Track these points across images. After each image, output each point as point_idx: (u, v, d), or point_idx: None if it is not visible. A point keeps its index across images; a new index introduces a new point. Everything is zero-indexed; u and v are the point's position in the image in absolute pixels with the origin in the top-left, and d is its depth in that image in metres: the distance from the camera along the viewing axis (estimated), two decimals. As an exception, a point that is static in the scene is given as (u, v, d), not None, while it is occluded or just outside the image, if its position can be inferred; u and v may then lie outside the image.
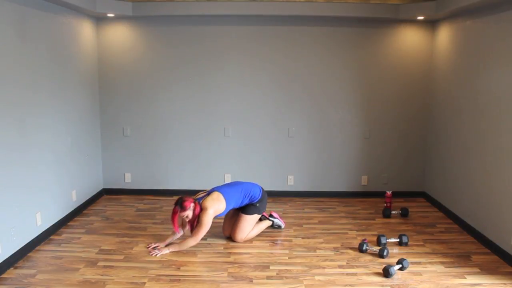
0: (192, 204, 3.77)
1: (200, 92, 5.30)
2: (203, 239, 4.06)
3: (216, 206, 3.84)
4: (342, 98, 5.31)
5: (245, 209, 4.06)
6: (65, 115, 4.47)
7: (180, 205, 3.74)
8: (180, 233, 4.01)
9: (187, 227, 3.97)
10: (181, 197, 3.81)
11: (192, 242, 3.82)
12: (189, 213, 3.78)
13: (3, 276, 3.32)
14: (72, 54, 4.63)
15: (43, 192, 4.02)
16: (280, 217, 4.42)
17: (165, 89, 5.31)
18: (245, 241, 4.03)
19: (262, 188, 4.19)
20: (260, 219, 4.23)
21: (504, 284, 3.28)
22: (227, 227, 4.15)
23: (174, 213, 3.79)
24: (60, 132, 4.37)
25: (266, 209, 4.37)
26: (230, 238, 4.11)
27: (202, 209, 3.80)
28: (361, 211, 4.95)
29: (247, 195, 4.03)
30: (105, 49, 5.25)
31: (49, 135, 4.13)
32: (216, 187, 4.03)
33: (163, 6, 4.85)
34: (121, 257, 3.70)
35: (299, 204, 5.18)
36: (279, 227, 4.36)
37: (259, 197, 4.09)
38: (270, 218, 4.26)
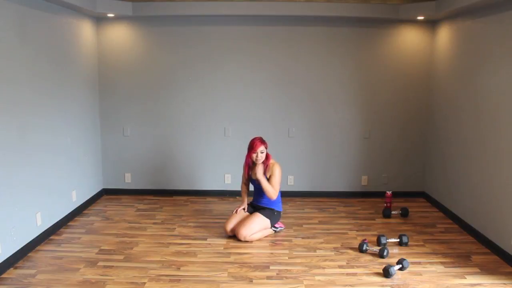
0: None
1: (200, 92, 5.29)
2: (203, 239, 4.08)
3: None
4: (342, 98, 5.31)
5: (263, 210, 4.19)
6: (65, 115, 4.47)
7: (261, 139, 4.16)
8: (246, 192, 4.40)
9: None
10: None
11: (274, 195, 4.15)
12: (264, 153, 4.14)
13: (3, 276, 3.32)
14: (72, 54, 4.63)
15: (43, 192, 4.02)
16: (281, 222, 4.42)
17: (165, 89, 5.31)
18: (245, 241, 4.03)
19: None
20: None
21: (504, 284, 3.28)
22: (233, 220, 4.17)
23: (252, 147, 4.11)
24: (60, 132, 4.37)
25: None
26: (230, 235, 4.12)
27: (271, 162, 4.20)
28: (361, 211, 4.95)
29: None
30: (105, 49, 5.25)
31: (49, 135, 4.13)
32: None
33: (163, 6, 4.85)
34: (121, 257, 3.70)
35: (299, 204, 5.18)
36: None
37: (280, 210, 4.30)
38: (273, 228, 4.26)
